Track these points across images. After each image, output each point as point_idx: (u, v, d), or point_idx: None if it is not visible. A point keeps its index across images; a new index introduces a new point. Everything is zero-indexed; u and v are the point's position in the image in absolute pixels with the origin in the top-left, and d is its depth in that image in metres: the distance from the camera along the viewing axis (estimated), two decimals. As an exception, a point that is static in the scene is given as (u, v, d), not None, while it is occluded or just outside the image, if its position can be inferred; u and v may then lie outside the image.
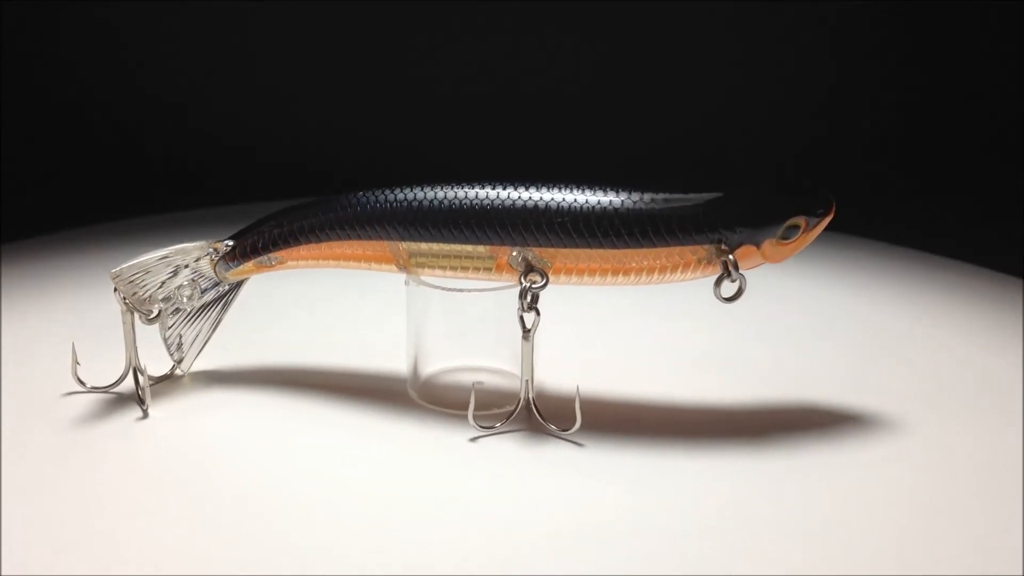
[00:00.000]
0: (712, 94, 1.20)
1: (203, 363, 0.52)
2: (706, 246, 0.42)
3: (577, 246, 0.42)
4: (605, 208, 0.42)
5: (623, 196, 0.42)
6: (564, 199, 0.43)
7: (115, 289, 0.46)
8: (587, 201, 0.42)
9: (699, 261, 0.42)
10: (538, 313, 0.43)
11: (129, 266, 0.46)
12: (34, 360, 0.54)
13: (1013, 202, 0.97)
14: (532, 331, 0.43)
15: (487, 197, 0.43)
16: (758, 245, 0.42)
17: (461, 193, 0.44)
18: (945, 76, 1.12)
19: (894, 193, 1.09)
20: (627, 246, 0.42)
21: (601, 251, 0.42)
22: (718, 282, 0.42)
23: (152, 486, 0.40)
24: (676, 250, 0.42)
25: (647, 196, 0.42)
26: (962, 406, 0.48)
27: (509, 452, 0.43)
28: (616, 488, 0.40)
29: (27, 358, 0.54)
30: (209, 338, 0.52)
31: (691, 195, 0.42)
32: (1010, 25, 1.06)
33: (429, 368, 0.50)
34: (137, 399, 0.47)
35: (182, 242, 0.49)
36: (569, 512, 0.38)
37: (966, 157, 1.11)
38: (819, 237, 0.43)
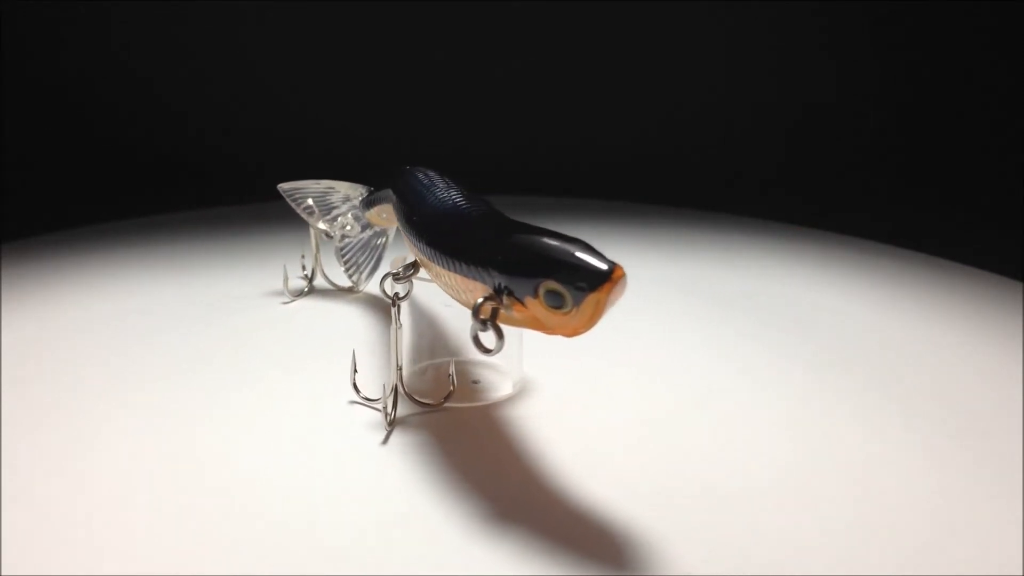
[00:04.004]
0: (710, 94, 1.25)
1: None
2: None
3: (416, 248, 0.40)
4: (432, 213, 0.39)
5: (460, 206, 0.38)
6: (431, 197, 0.41)
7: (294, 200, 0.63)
8: (435, 203, 0.40)
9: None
10: (395, 304, 0.42)
11: (300, 181, 0.62)
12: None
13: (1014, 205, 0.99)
14: (395, 320, 0.43)
15: (405, 187, 0.44)
16: (522, 302, 0.33)
17: (406, 180, 0.46)
18: (945, 77, 1.16)
19: (892, 195, 1.12)
20: (428, 258, 0.38)
21: (425, 259, 0.39)
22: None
23: (230, 342, 0.56)
24: (461, 280, 0.36)
25: (467, 212, 0.37)
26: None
27: (359, 426, 0.44)
28: (390, 494, 0.37)
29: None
30: (376, 267, 0.64)
31: (488, 224, 0.35)
32: (1010, 26, 1.10)
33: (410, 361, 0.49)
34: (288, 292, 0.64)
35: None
36: (337, 494, 0.37)
37: (965, 158, 1.13)
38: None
